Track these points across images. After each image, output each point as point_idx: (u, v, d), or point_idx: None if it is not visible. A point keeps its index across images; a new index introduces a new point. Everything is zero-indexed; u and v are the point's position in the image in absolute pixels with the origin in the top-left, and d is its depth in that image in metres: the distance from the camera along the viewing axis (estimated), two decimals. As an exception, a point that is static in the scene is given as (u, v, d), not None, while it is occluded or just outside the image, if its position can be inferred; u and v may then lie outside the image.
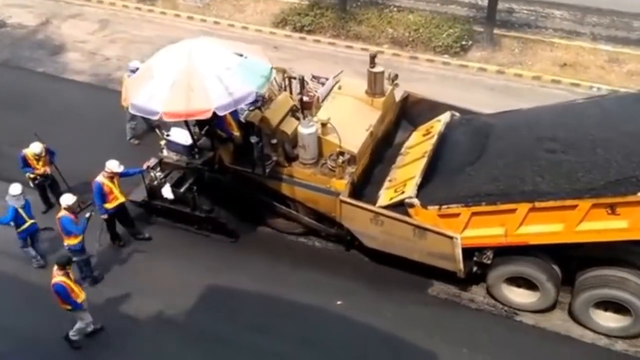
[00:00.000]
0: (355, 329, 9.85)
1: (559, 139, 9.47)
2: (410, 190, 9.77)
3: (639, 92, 10.41)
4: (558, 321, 9.79)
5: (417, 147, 11.07)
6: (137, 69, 11.65)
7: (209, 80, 9.01)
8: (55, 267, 9.06)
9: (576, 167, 8.91)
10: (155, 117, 9.19)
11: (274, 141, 10.35)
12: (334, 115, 10.56)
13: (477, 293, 10.30)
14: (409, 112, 12.14)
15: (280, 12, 18.47)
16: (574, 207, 8.43)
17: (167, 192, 11.22)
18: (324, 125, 10.31)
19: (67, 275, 9.06)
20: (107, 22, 19.10)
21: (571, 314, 9.72)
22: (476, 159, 9.94)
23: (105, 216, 10.74)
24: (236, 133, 10.54)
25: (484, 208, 9.11)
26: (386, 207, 10.03)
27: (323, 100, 11.47)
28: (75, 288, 9.21)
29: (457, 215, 9.37)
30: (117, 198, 10.71)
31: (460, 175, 9.85)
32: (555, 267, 9.56)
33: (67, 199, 10.13)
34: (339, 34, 17.49)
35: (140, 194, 11.81)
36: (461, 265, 9.55)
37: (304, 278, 10.64)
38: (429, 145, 10.65)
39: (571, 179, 8.82)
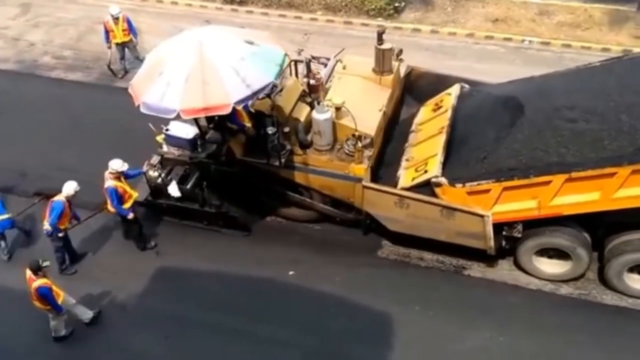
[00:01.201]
0: (308, 297, 10.08)
1: (578, 107, 9.39)
2: (435, 168, 9.58)
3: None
4: (504, 271, 10.15)
5: (430, 122, 10.85)
6: (119, 12, 12.55)
7: (225, 73, 8.57)
8: (30, 273, 8.93)
9: (601, 135, 8.88)
10: (172, 116, 8.64)
11: (287, 129, 9.94)
12: (343, 97, 10.18)
13: (426, 251, 10.58)
14: (413, 87, 11.90)
15: None
16: (612, 174, 8.35)
17: (173, 189, 10.74)
18: (338, 109, 9.96)
19: (45, 276, 8.97)
20: (29, 6, 18.49)
21: (603, 280, 9.63)
22: (495, 134, 9.71)
23: (131, 215, 10.50)
24: (248, 124, 9.98)
25: (516, 182, 9.01)
26: (410, 189, 9.81)
27: (327, 82, 11.01)
28: (56, 289, 9.15)
29: (487, 191, 9.27)
30: (132, 195, 10.42)
31: (481, 151, 9.62)
32: (586, 235, 9.53)
33: (69, 188, 10.07)
34: (270, 4, 17.55)
35: (141, 193, 11.22)
36: (492, 243, 9.49)
37: (258, 253, 10.79)
38: (444, 120, 10.42)
39: (597, 148, 8.81)
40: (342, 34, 16.06)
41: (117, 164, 10.24)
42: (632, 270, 9.50)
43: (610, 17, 15.88)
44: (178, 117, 9.12)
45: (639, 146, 8.56)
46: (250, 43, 9.08)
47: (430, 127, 10.80)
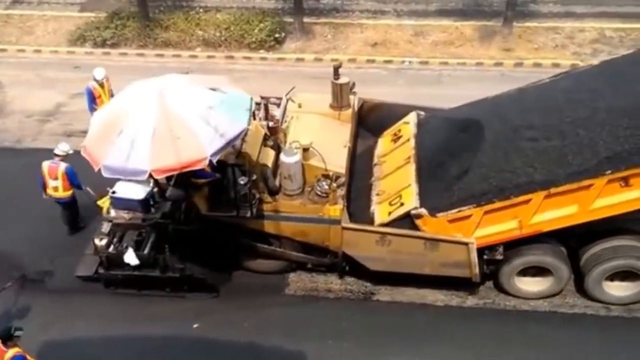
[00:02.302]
0: (217, 347, 9.76)
1: (536, 126, 9.72)
2: (413, 200, 9.53)
3: (590, 68, 10.78)
4: (412, 291, 10.42)
5: (393, 153, 10.83)
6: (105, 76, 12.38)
7: (195, 124, 8.05)
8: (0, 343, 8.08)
9: (564, 151, 9.22)
10: (143, 178, 7.94)
11: (254, 177, 9.41)
12: (305, 136, 9.87)
13: (333, 282, 10.63)
14: (366, 120, 11.77)
15: (75, 29, 17.89)
16: (589, 186, 8.55)
17: (131, 258, 9.97)
18: (305, 150, 9.63)
19: (16, 345, 8.25)
20: None
21: (583, 291, 9.83)
22: (462, 160, 9.79)
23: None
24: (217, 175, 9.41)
25: (497, 205, 9.13)
26: (388, 224, 9.61)
27: (283, 123, 10.66)
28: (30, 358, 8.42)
29: (468, 217, 9.28)
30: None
31: (451, 178, 9.63)
32: (562, 248, 9.75)
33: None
34: (146, 44, 17.36)
35: (87, 266, 10.26)
36: (477, 270, 9.45)
37: (153, 310, 10.29)
38: (408, 150, 10.42)
39: (563, 164, 9.12)
40: (224, 69, 16.00)
41: (66, 147, 10.70)
42: (610, 278, 9.70)
43: (480, 33, 16.95)
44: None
45: (602, 158, 8.87)
46: (214, 90, 8.55)
47: (394, 158, 10.72)
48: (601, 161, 8.89)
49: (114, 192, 10.22)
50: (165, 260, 10.12)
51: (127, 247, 10.07)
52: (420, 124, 11.03)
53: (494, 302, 10.14)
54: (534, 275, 10.09)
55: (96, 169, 8.23)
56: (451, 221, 9.46)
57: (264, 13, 17.84)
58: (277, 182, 9.88)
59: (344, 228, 9.64)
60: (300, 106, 10.91)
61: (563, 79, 10.90)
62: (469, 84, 14.60)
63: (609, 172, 8.62)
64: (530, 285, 10.13)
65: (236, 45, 17.03)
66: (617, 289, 9.87)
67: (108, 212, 10.47)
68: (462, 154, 9.99)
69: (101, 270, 10.34)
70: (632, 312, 9.80)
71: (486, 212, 9.31)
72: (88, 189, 11.16)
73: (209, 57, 16.90)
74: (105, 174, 8.19)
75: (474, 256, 9.43)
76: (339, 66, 10.62)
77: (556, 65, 15.65)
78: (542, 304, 10.04)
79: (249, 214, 9.57)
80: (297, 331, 9.81)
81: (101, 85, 13.17)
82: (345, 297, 10.42)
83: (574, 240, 10.00)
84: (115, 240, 10.30)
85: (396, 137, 11.19)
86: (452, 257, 9.53)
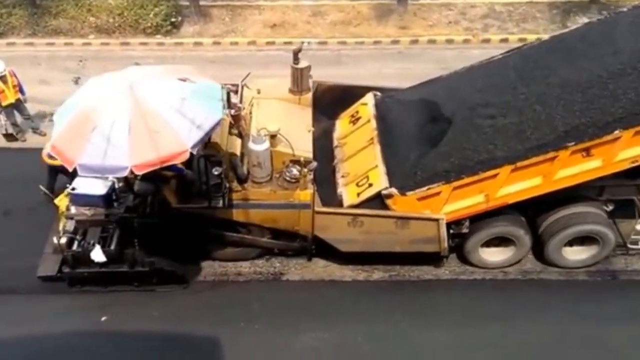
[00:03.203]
0: (127, 339, 9.77)
1: (492, 104, 10.07)
2: (382, 180, 9.77)
3: (538, 45, 11.20)
4: (320, 269, 10.74)
5: (353, 135, 10.96)
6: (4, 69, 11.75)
7: (171, 117, 7.91)
8: None
9: (522, 127, 9.63)
10: (123, 174, 7.69)
11: (224, 166, 9.31)
12: (272, 123, 9.81)
13: (242, 265, 10.82)
14: (320, 102, 11.79)
15: None
16: (553, 158, 8.98)
17: (98, 255, 9.67)
18: (273, 136, 9.57)
19: None
20: None
21: (543, 259, 10.37)
22: (423, 140, 10.03)
23: None
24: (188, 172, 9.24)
25: (466, 180, 9.43)
26: (358, 205, 9.75)
27: (242, 110, 10.53)
28: None
29: (437, 194, 9.57)
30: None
31: (415, 158, 9.85)
32: (522, 218, 10.19)
33: None
34: (35, 32, 16.84)
35: (49, 266, 9.90)
36: (446, 244, 9.76)
37: (58, 306, 10.16)
38: (370, 131, 10.57)
39: (522, 139, 9.54)
40: (121, 57, 15.75)
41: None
42: (569, 244, 10.29)
43: (376, 12, 17.24)
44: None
45: (560, 132, 9.37)
46: (184, 80, 8.34)
47: (355, 139, 10.84)
48: (559, 135, 9.37)
49: (73, 189, 9.83)
50: (133, 254, 9.87)
51: (93, 244, 9.74)
52: (378, 105, 11.17)
53: (398, 274, 10.64)
54: (497, 245, 10.53)
55: (70, 168, 7.91)
56: (420, 199, 9.74)
57: None
58: (244, 170, 9.77)
59: (316, 212, 9.74)
60: (259, 92, 10.82)
61: (512, 56, 11.24)
62: (368, 63, 14.96)
63: (573, 143, 9.04)
64: (494, 255, 10.64)
65: (131, 31, 16.66)
66: (575, 254, 10.51)
67: (68, 209, 10.04)
68: (424, 134, 10.26)
69: (66, 270, 9.95)
70: (527, 275, 10.59)
71: (455, 188, 9.64)
72: (41, 187, 10.68)
73: (103, 44, 16.53)
74: (81, 173, 7.91)
75: (444, 231, 9.79)
76: (299, 50, 10.58)
77: (450, 41, 16.32)
78: (444, 272, 10.64)
79: (221, 204, 9.44)
80: (209, 317, 9.92)
81: (2, 79, 12.45)
82: (255, 280, 10.58)
83: (531, 210, 10.50)
84: (78, 237, 9.91)
85: (354, 119, 11.30)
86: (422, 233, 9.84)
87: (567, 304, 10.11)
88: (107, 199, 9.86)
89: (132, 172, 7.82)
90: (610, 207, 10.42)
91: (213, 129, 8.28)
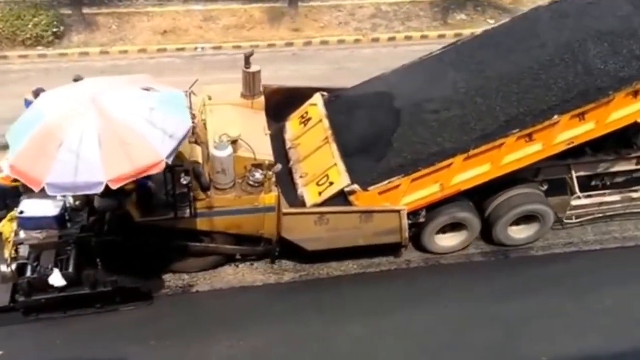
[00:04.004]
0: None
1: (436, 99, 10.45)
2: (343, 178, 9.85)
3: (469, 41, 11.64)
4: (230, 277, 10.59)
5: (306, 136, 11.00)
6: None
7: (142, 128, 7.57)
8: None
9: (466, 119, 10.09)
10: (99, 190, 7.26)
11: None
12: (224, 128, 9.63)
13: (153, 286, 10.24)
14: (267, 105, 11.62)
15: None
16: (501, 145, 9.41)
17: (57, 279, 9.10)
18: (234, 142, 9.36)
19: None
20: None
21: (492, 238, 10.84)
22: (374, 137, 10.22)
23: None
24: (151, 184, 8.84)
25: (423, 172, 9.65)
26: (322, 204, 9.74)
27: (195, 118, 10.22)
28: None
29: (397, 187, 9.77)
30: None
31: (369, 155, 10.01)
32: (471, 204, 10.59)
33: None
34: None
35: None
36: (407, 234, 9.97)
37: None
38: (323, 130, 10.61)
39: (467, 131, 10.00)
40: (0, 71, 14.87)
41: None
42: (514, 224, 10.81)
43: (268, 15, 17.33)
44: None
45: (501, 122, 9.90)
46: (148, 90, 7.98)
47: (309, 140, 10.85)
48: (501, 125, 9.84)
49: (22, 213, 9.19)
50: (94, 275, 9.32)
51: (51, 269, 9.10)
52: (327, 105, 11.20)
53: (309, 273, 10.66)
54: (450, 231, 10.87)
55: (37, 189, 7.33)
56: (381, 193, 9.93)
57: (37, 6, 16.33)
58: (207, 178, 9.49)
59: (284, 214, 9.61)
60: (210, 99, 10.54)
61: (447, 53, 11.63)
62: (264, 66, 14.20)
63: (518, 130, 9.49)
64: (449, 241, 11.02)
65: (9, 43, 15.66)
66: (520, 232, 11.07)
67: (16, 234, 9.33)
68: (376, 131, 10.40)
69: (21, 299, 9.21)
70: (429, 262, 10.98)
71: (413, 180, 9.87)
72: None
73: (-23, 59, 15.43)
74: (50, 193, 7.36)
75: (405, 222, 10.02)
76: (251, 54, 10.43)
77: (341, 42, 16.57)
78: (352, 267, 10.80)
79: (188, 214, 9.11)
80: (117, 338, 9.46)
81: None
82: (164, 295, 10.16)
83: (477, 196, 10.93)
84: (31, 263, 9.22)
85: (305, 120, 11.28)
86: (385, 225, 10.01)
87: (465, 286, 10.57)
88: (60, 220, 9.36)
89: (107, 187, 7.34)
90: (545, 187, 11.08)
91: (185, 137, 7.99)
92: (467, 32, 16.40)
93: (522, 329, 9.86)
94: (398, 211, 9.94)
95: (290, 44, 16.51)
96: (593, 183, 11.29)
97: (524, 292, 10.43)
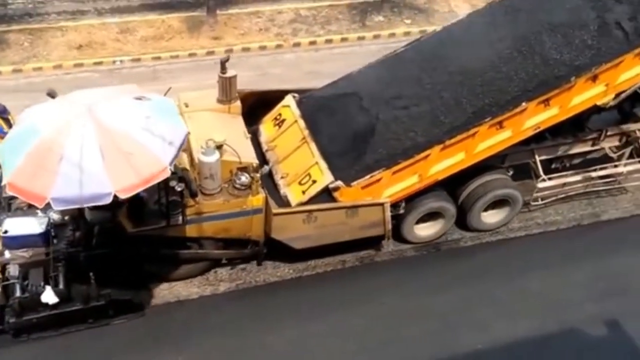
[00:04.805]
0: None
1: (404, 96, 10.82)
2: (326, 175, 10.04)
3: (428, 39, 12.11)
4: (165, 292, 10.32)
5: (282, 137, 11.16)
6: None
7: (142, 137, 7.56)
8: None
9: (435, 113, 10.52)
10: (107, 201, 7.16)
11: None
12: (206, 134, 9.71)
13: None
14: None
15: None
16: (474, 134, 9.90)
17: (49, 297, 8.92)
18: (219, 147, 9.43)
19: None
20: None
21: (465, 224, 11.37)
22: (349, 134, 10.52)
23: None
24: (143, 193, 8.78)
25: (402, 164, 9.98)
26: (307, 202, 9.96)
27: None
28: None
29: (378, 180, 10.07)
30: None
31: (348, 152, 10.29)
32: (445, 192, 11.05)
33: None
34: None
35: None
36: (389, 226, 10.31)
37: None
38: (299, 130, 10.76)
39: (437, 124, 10.42)
40: None
41: None
42: (485, 209, 11.35)
43: (187, 25, 17.11)
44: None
45: (469, 114, 10.38)
46: (140, 99, 7.95)
47: (285, 141, 10.99)
48: (469, 117, 10.32)
49: (5, 232, 8.96)
50: (87, 289, 9.16)
51: (43, 286, 8.90)
52: (300, 105, 11.37)
53: (245, 281, 10.65)
54: (428, 220, 11.30)
55: (41, 205, 7.19)
56: (364, 187, 10.23)
57: None
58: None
59: (275, 214, 9.74)
60: (187, 106, 10.51)
61: (408, 51, 11.98)
62: (185, 76, 14.63)
63: (489, 118, 10.00)
64: (427, 230, 11.41)
65: None
66: (492, 217, 11.62)
67: (1, 254, 9.08)
68: (352, 128, 10.67)
69: (11, 320, 8.96)
70: (363, 260, 11.17)
71: (394, 173, 10.18)
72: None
73: None
74: (56, 207, 7.25)
75: (388, 214, 10.35)
76: (227, 60, 10.47)
77: (263, 47, 16.58)
78: (288, 271, 10.84)
79: (180, 221, 9.11)
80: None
81: None
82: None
83: (450, 185, 11.40)
84: (20, 282, 9.00)
85: (279, 122, 11.41)
86: (369, 219, 10.32)
87: (399, 281, 10.79)
88: (45, 237, 9.21)
89: (115, 197, 7.29)
90: (511, 172, 11.68)
91: (183, 143, 8.01)
92: (385, 33, 17.49)
93: (457, 319, 10.13)
94: (381, 204, 10.26)
95: (211, 52, 16.28)
96: (553, 166, 11.98)
97: (457, 283, 10.73)
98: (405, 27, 17.92)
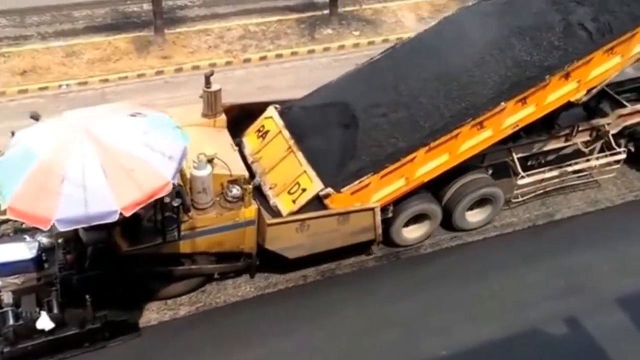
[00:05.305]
0: None
1: (382, 104, 11.02)
2: (315, 183, 10.17)
3: (399, 47, 12.42)
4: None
5: (267, 148, 11.20)
6: None
7: (141, 153, 7.52)
8: None
9: (414, 118, 10.79)
10: (114, 219, 7.08)
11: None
12: (194, 148, 9.70)
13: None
14: None
15: None
16: (457, 135, 10.23)
17: (45, 323, 8.76)
18: (210, 160, 9.47)
19: None
20: None
21: (450, 224, 11.69)
22: (333, 143, 10.71)
23: None
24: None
25: (389, 168, 10.25)
26: (298, 211, 10.09)
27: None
28: None
29: (367, 185, 10.26)
30: None
31: (333, 160, 10.46)
32: (430, 194, 11.33)
33: None
34: None
35: None
36: (380, 231, 10.50)
37: None
38: (283, 141, 10.84)
39: (417, 129, 10.68)
40: None
41: None
42: (469, 209, 11.69)
43: (135, 45, 16.93)
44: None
45: (447, 118, 10.70)
46: (135, 115, 7.93)
47: (270, 152, 11.05)
48: (447, 121, 10.62)
49: (-7, 260, 8.76)
50: (83, 312, 9.01)
51: (38, 312, 8.70)
52: (283, 116, 11.47)
53: (205, 303, 10.44)
54: (414, 223, 11.54)
55: (46, 227, 7.06)
56: (353, 193, 10.39)
57: None
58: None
59: (269, 224, 9.78)
60: (173, 121, 10.46)
61: (382, 60, 12.17)
62: (135, 97, 14.31)
63: (470, 119, 10.34)
64: (414, 232, 11.66)
65: None
66: (476, 216, 11.95)
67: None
68: (334, 138, 10.85)
69: (6, 349, 8.73)
70: (324, 274, 11.14)
71: (381, 177, 10.39)
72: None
73: None
74: (61, 228, 7.12)
75: (379, 219, 10.55)
76: (211, 74, 10.49)
77: (213, 64, 16.16)
78: (250, 290, 10.74)
79: (176, 237, 9.07)
80: None
81: None
82: None
83: (433, 186, 11.66)
84: (13, 310, 8.79)
85: (262, 133, 11.47)
86: (360, 224, 10.49)
87: (361, 292, 10.78)
88: (37, 262, 9.05)
89: (121, 214, 7.24)
90: (490, 171, 12.06)
91: (183, 157, 8.01)
92: (334, 46, 17.67)
93: (420, 326, 10.20)
94: (372, 209, 10.44)
95: (160, 72, 16.13)
96: (529, 163, 12.40)
97: (418, 289, 10.83)
98: (354, 38, 18.06)
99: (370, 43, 17.86)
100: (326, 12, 18.64)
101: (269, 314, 10.34)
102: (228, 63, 16.69)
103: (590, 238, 11.93)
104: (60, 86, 15.28)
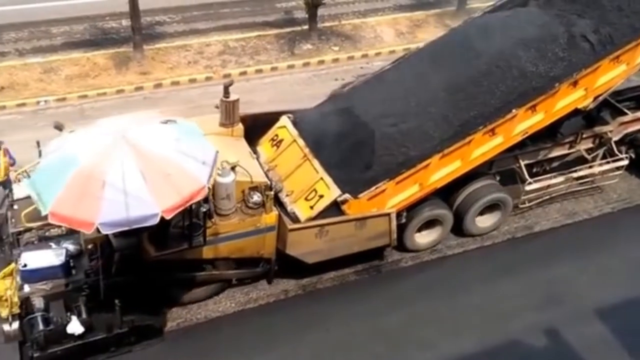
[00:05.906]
0: None
1: (391, 114, 11.35)
2: (333, 189, 10.45)
3: (405, 60, 12.77)
4: None
5: (282, 156, 11.46)
6: None
7: (178, 158, 7.83)
8: None
9: (424, 128, 11.12)
10: (154, 222, 7.36)
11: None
12: (229, 155, 10.01)
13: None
14: None
15: None
16: (469, 142, 10.61)
17: (76, 327, 8.97)
18: (232, 168, 9.79)
19: None
20: None
21: (461, 229, 12.07)
22: (346, 152, 11.01)
23: None
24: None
25: (405, 174, 10.54)
26: (316, 217, 10.39)
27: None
28: None
29: (383, 191, 10.55)
30: None
31: (348, 169, 10.77)
32: (441, 200, 11.69)
33: None
34: None
35: (7, 356, 8.95)
36: (395, 236, 10.83)
37: None
38: (298, 149, 11.12)
39: (427, 139, 11.03)
40: None
41: None
42: (479, 214, 12.06)
43: (114, 61, 16.89)
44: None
45: (456, 127, 11.08)
46: (166, 122, 8.24)
47: (286, 160, 11.32)
48: (457, 130, 11.00)
49: (25, 266, 8.99)
50: (111, 317, 9.23)
51: (70, 317, 8.91)
52: (297, 125, 11.79)
53: (185, 319, 10.43)
54: (426, 229, 11.89)
55: (90, 231, 7.31)
56: (370, 198, 10.70)
57: None
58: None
59: (291, 230, 10.07)
60: (192, 130, 10.75)
61: (388, 72, 12.52)
62: (114, 113, 13.80)
63: (482, 126, 10.75)
64: (426, 237, 11.98)
65: None
66: (486, 221, 12.32)
67: (20, 289, 9.08)
68: (347, 146, 11.16)
69: (36, 354, 8.91)
70: (306, 288, 11.22)
71: (397, 183, 10.73)
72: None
73: None
74: (104, 231, 7.38)
75: (394, 224, 10.87)
76: (231, 84, 10.81)
77: (192, 80, 16.54)
78: (231, 306, 10.75)
79: (202, 242, 9.34)
80: None
81: None
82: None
83: (444, 193, 12.01)
84: (42, 315, 9.00)
85: (276, 142, 11.76)
86: (376, 229, 10.80)
87: (344, 306, 10.86)
88: (65, 268, 9.22)
89: (162, 217, 7.52)
90: (498, 178, 12.46)
91: (215, 162, 8.31)
92: (314, 61, 17.87)
93: (403, 339, 10.31)
94: (388, 214, 10.78)
95: (139, 88, 16.13)
96: (534, 170, 12.83)
97: (401, 303, 10.92)
98: (333, 54, 18.24)
99: (350, 58, 18.08)
100: (305, 27, 18.78)
101: (251, 329, 10.29)
102: (208, 78, 16.74)
103: (568, 250, 12.14)
104: (38, 102, 15.22)
